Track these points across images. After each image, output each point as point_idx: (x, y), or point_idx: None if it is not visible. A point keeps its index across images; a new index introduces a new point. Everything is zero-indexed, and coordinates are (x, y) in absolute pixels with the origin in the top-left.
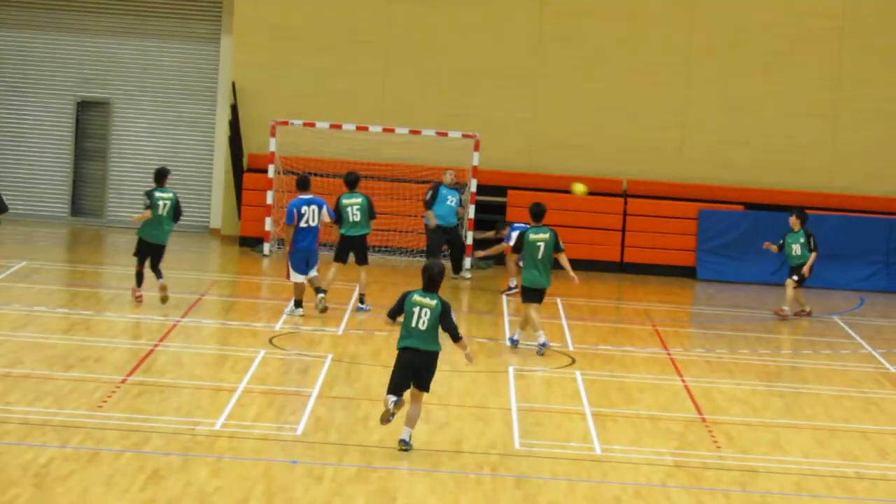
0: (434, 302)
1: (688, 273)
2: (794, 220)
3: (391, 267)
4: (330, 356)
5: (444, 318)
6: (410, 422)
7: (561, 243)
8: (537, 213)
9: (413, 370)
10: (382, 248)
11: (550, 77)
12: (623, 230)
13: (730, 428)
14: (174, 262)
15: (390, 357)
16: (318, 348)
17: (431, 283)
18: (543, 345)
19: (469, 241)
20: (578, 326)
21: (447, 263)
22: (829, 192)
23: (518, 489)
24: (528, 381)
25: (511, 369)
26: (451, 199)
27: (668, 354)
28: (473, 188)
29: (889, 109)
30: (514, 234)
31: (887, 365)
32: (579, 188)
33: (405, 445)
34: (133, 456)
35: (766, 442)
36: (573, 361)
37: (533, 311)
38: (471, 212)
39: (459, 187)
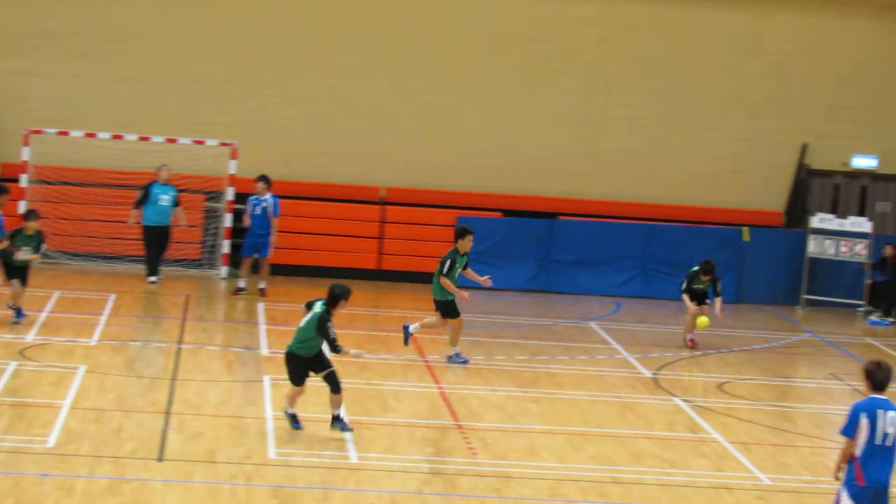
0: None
1: None
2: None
3: (114, 275)
4: (83, 367)
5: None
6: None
7: None
8: None
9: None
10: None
11: (312, 86)
12: (381, 237)
13: (485, 434)
14: None
15: (144, 367)
16: (70, 359)
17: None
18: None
19: (225, 249)
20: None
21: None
22: (587, 198)
23: (273, 498)
24: (283, 391)
25: (266, 378)
26: (164, 199)
27: (425, 361)
28: (231, 196)
29: (647, 119)
30: None
31: (642, 369)
32: (703, 321)
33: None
34: None
35: (522, 448)
36: None
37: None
38: (227, 220)
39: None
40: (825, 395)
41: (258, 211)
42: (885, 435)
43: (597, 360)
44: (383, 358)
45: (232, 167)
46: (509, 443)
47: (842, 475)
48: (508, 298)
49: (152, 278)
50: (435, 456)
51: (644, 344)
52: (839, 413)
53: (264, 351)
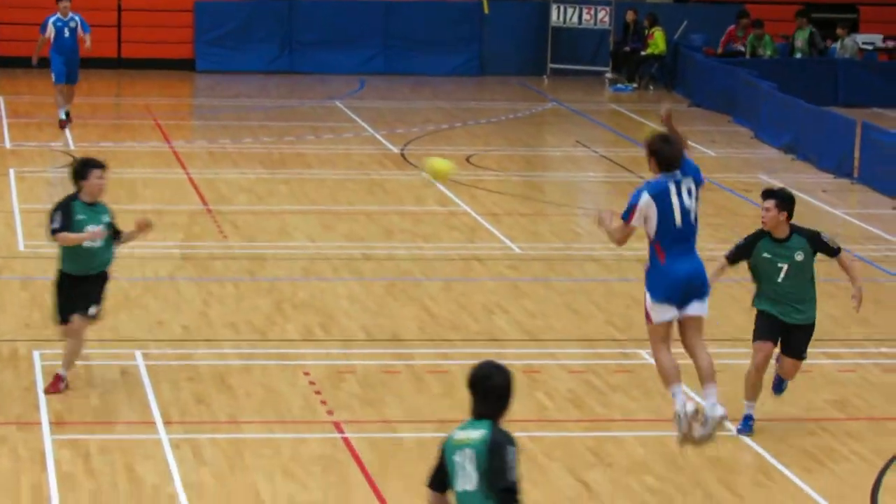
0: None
1: (187, 66)
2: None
3: None
4: None
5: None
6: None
7: None
8: None
9: None
10: None
11: None
12: (119, 25)
13: (236, 217)
14: None
15: None
16: None
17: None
18: None
19: None
20: (79, 125)
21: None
22: None
23: (24, 290)
24: (30, 184)
25: (11, 171)
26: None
27: (171, 148)
28: None
29: None
30: None
31: (389, 146)
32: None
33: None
34: None
35: (274, 229)
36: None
37: None
38: None
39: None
40: (572, 162)
41: (66, 33)
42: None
43: (344, 139)
44: (129, 146)
45: None
46: (261, 224)
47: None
48: (253, 81)
49: None
50: (185, 241)
51: (389, 121)
52: (587, 180)
53: (7, 144)
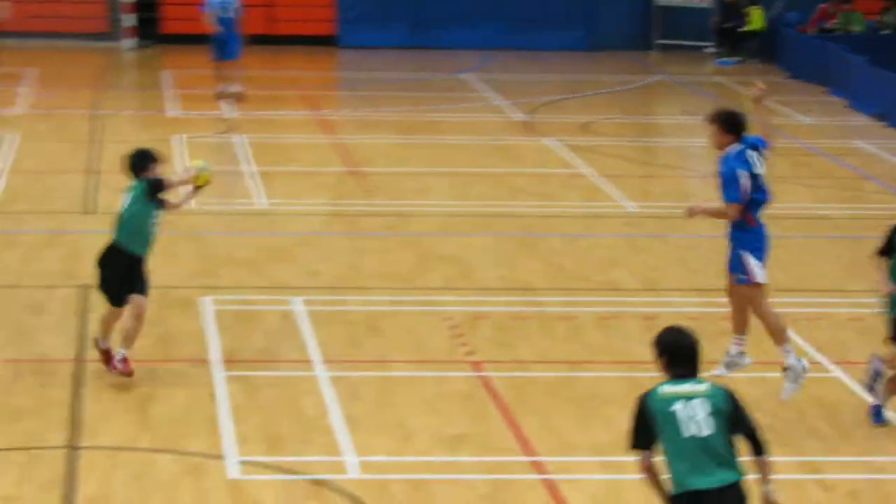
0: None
1: (330, 42)
2: None
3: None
4: (16, 135)
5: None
6: None
7: None
8: None
9: None
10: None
11: None
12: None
13: (379, 178)
14: None
15: (70, 133)
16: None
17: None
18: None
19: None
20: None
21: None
22: None
23: (193, 242)
24: (194, 148)
25: (179, 138)
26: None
27: (319, 116)
28: None
29: None
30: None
31: (514, 114)
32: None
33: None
34: None
35: (413, 189)
36: (230, 128)
37: None
38: None
39: None
40: (681, 129)
41: (227, 12)
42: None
43: (472, 108)
44: (283, 114)
45: None
46: (401, 185)
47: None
48: (389, 56)
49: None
50: (335, 199)
51: (510, 92)
52: (695, 145)
53: (175, 113)
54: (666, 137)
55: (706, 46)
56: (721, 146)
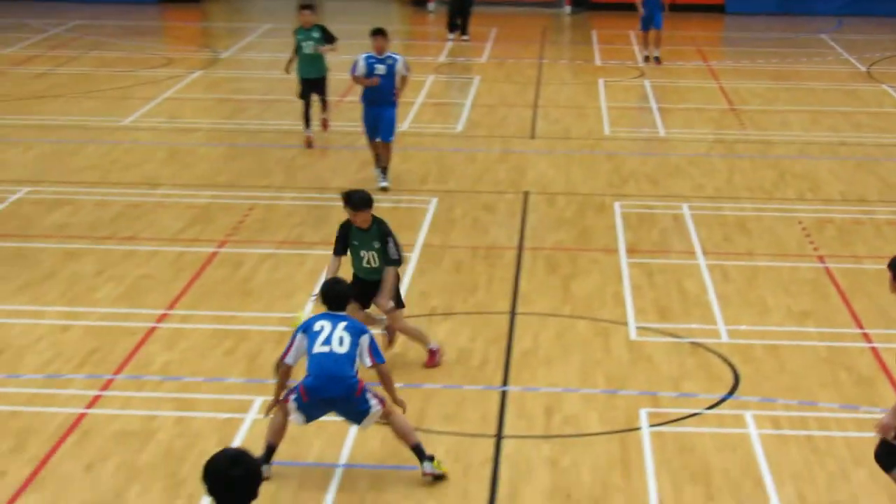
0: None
1: (720, 9)
2: None
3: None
4: (477, 77)
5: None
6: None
7: None
8: None
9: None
10: None
11: None
12: None
13: (752, 114)
14: None
15: (516, 75)
16: (468, 72)
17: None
18: None
19: None
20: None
21: None
22: None
23: (608, 161)
24: (611, 90)
25: (601, 81)
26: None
27: (708, 66)
28: None
29: None
30: None
31: (859, 65)
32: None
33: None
34: None
35: (777, 122)
36: (641, 74)
37: None
38: None
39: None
40: None
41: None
42: None
43: (827, 62)
44: (679, 64)
45: None
46: (768, 119)
47: None
48: (758, 21)
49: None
50: (717, 129)
51: (859, 49)
52: None
53: (598, 62)
54: None
55: None
56: None
